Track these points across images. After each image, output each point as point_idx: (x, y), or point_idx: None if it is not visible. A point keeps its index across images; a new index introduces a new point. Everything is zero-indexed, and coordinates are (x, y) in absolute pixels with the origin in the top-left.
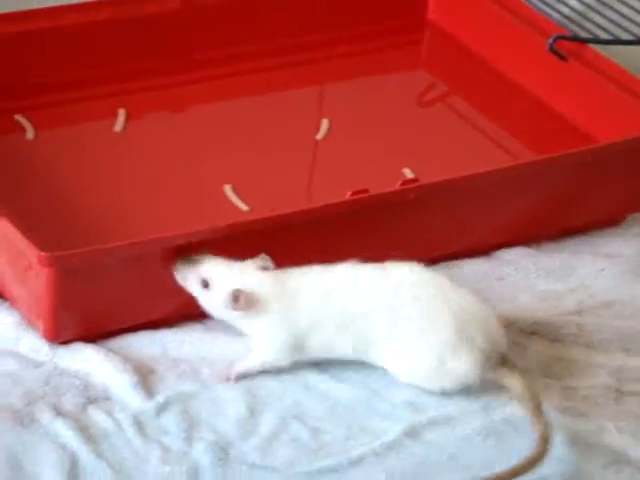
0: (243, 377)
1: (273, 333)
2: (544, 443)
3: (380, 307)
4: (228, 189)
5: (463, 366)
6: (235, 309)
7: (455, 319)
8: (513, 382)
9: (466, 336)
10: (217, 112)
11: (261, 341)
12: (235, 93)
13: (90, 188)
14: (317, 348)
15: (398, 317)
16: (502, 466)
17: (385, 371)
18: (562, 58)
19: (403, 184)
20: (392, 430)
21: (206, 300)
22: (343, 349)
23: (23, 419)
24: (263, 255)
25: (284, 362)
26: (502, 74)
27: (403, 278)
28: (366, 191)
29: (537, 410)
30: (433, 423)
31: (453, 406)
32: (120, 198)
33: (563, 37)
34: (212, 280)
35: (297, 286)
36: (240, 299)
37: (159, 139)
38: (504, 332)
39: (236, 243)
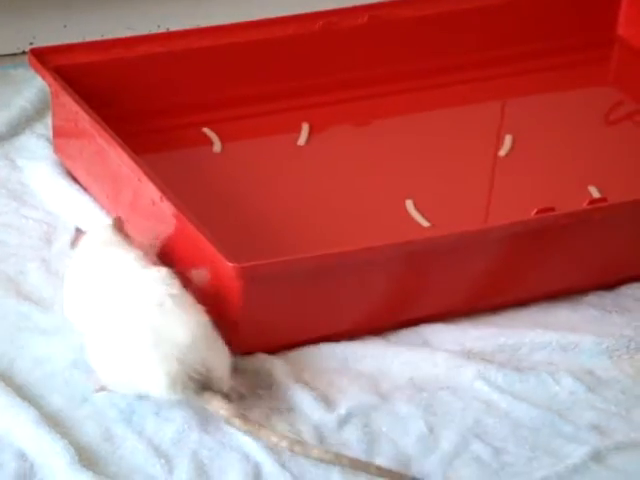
0: None
1: None
2: (307, 448)
3: (105, 301)
4: (409, 204)
5: (150, 381)
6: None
7: (153, 335)
8: (217, 407)
9: (160, 354)
10: (399, 126)
11: None
12: (417, 107)
13: (273, 200)
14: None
15: (113, 315)
16: None
17: (570, 392)
18: None
19: (591, 203)
20: (577, 453)
21: None
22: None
23: (208, 426)
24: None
25: None
26: None
27: (145, 280)
28: (552, 209)
29: (258, 431)
30: (620, 448)
31: None
32: (302, 211)
33: None
34: None
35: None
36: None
37: (342, 153)
38: (207, 359)
39: (418, 259)
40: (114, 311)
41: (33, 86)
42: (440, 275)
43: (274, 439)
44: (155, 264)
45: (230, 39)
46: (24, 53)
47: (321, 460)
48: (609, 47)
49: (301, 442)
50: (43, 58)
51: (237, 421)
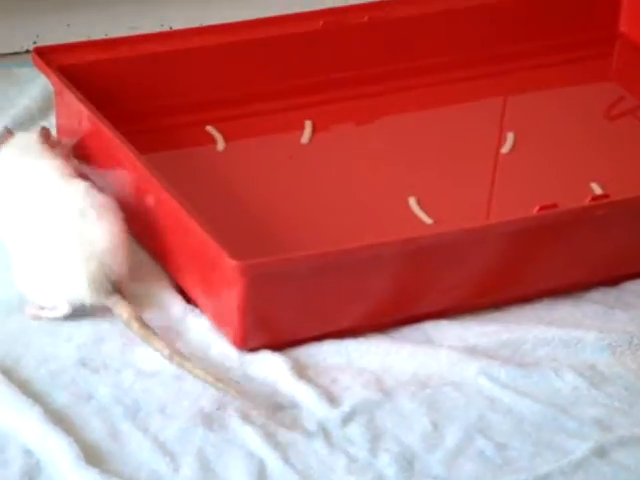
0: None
1: None
2: (183, 359)
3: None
4: (412, 201)
5: (72, 280)
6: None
7: (77, 236)
8: (121, 310)
9: (83, 253)
10: (402, 124)
11: None
12: (419, 105)
13: (277, 198)
14: None
15: (37, 223)
16: None
17: (573, 387)
18: None
19: (593, 200)
20: (580, 448)
21: None
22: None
23: (213, 423)
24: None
25: None
26: None
27: (69, 192)
28: (555, 206)
29: (149, 336)
30: (623, 443)
31: None
32: (305, 208)
33: None
34: None
35: None
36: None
37: (345, 151)
38: (123, 266)
39: (421, 256)
40: (38, 220)
41: (37, 85)
42: (443, 272)
43: (158, 346)
44: (76, 175)
45: (233, 38)
46: (28, 52)
47: (192, 374)
48: (611, 43)
49: (181, 355)
50: (47, 57)
51: (134, 324)
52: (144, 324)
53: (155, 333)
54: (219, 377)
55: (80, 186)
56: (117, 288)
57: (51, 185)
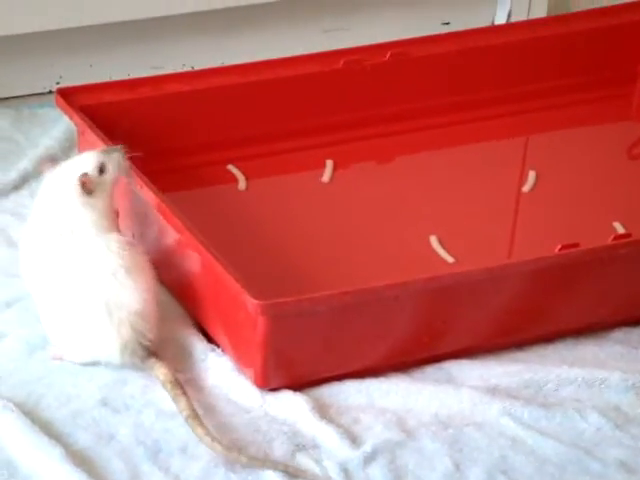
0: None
1: None
2: (195, 423)
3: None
4: (434, 240)
5: (103, 345)
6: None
7: (105, 300)
8: (157, 372)
9: (113, 319)
10: (423, 163)
11: None
12: (440, 144)
13: (298, 237)
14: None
15: (62, 280)
16: None
17: (597, 428)
18: None
19: (615, 239)
20: None
21: None
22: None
23: (234, 464)
24: None
25: None
26: None
27: (92, 247)
28: (577, 245)
29: (177, 397)
30: None
31: None
32: (327, 247)
33: None
34: None
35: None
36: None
37: (366, 189)
38: (155, 327)
39: (443, 295)
40: (68, 279)
41: (60, 125)
42: (464, 311)
43: (181, 406)
44: (112, 229)
45: (254, 77)
46: (51, 93)
47: (202, 441)
48: (632, 82)
49: (197, 418)
50: (69, 98)
51: (168, 385)
52: (176, 385)
53: (184, 394)
54: (229, 447)
55: (112, 242)
56: (152, 351)
57: (82, 242)
